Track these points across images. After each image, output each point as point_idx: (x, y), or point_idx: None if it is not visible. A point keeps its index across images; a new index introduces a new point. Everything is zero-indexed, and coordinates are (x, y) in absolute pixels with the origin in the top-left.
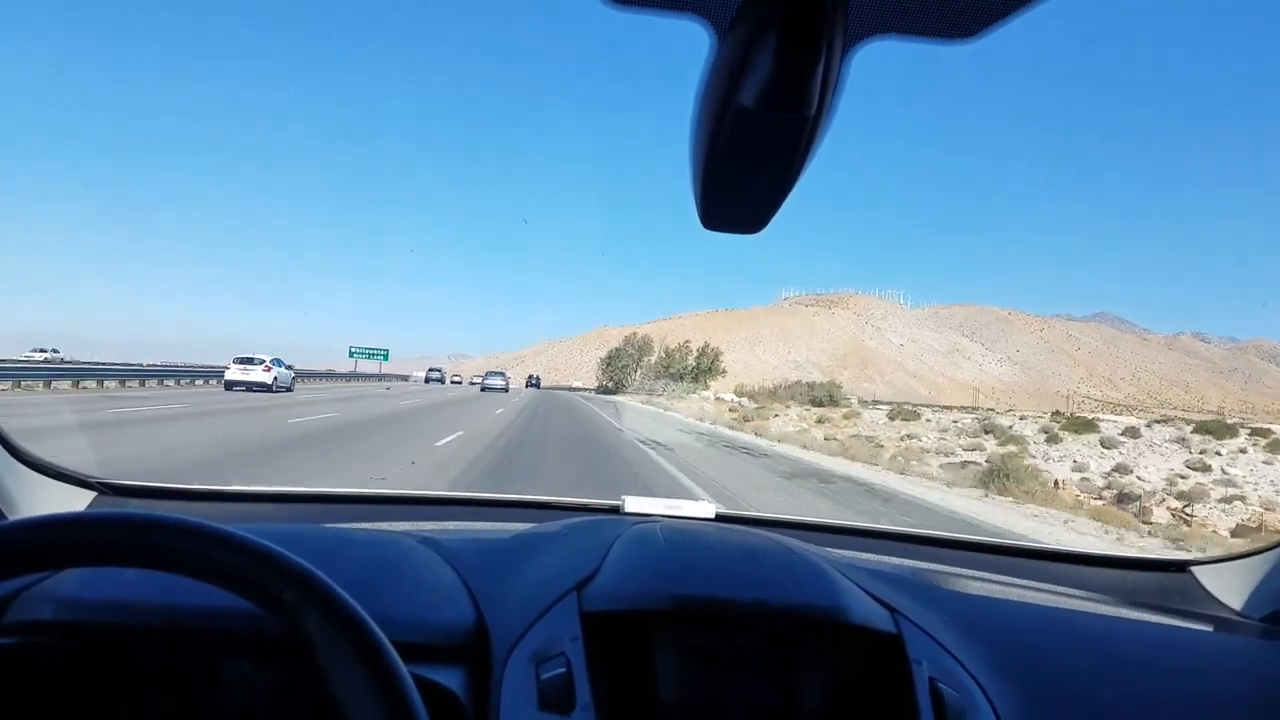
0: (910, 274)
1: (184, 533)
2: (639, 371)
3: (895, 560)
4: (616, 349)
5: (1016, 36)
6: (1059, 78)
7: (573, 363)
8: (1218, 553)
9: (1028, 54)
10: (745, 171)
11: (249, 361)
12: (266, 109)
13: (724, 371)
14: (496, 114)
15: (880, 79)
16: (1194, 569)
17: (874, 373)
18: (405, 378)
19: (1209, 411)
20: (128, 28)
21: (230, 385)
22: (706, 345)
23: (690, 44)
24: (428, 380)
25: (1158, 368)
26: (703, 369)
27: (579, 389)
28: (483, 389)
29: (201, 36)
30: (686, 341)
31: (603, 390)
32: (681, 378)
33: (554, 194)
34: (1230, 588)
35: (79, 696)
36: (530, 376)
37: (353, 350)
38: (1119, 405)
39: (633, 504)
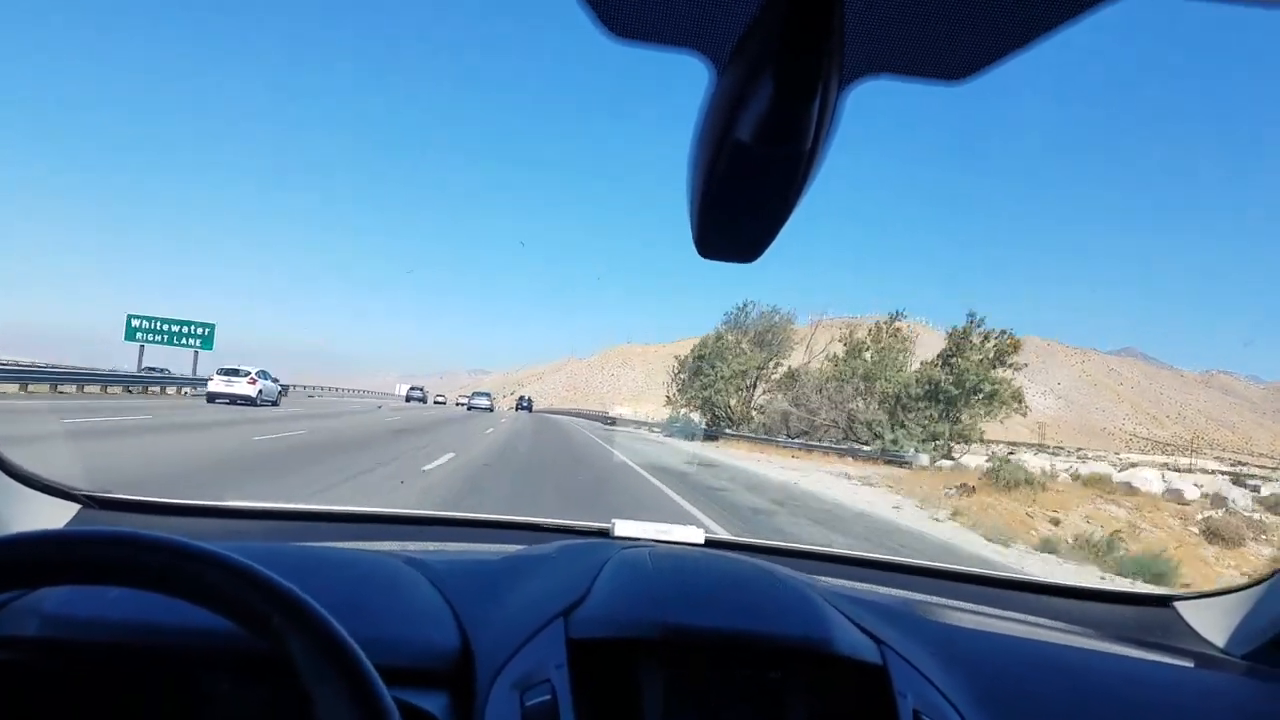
0: (932, 298)
1: (169, 552)
2: (785, 392)
3: (883, 590)
4: (719, 337)
5: (1043, 66)
6: (1085, 104)
7: (592, 380)
8: (1201, 588)
9: (1053, 81)
10: (741, 203)
11: (233, 373)
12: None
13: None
14: (522, 132)
15: (904, 102)
16: (1177, 604)
17: None
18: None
19: (1265, 455)
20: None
21: (212, 397)
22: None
23: (692, 77)
24: (408, 399)
25: (1202, 405)
26: (989, 391)
27: (618, 422)
28: (469, 408)
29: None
30: (897, 322)
31: (679, 429)
32: (946, 402)
33: (572, 211)
34: (1213, 624)
35: (61, 714)
36: (520, 398)
37: (134, 327)
38: (1170, 445)
39: (622, 528)
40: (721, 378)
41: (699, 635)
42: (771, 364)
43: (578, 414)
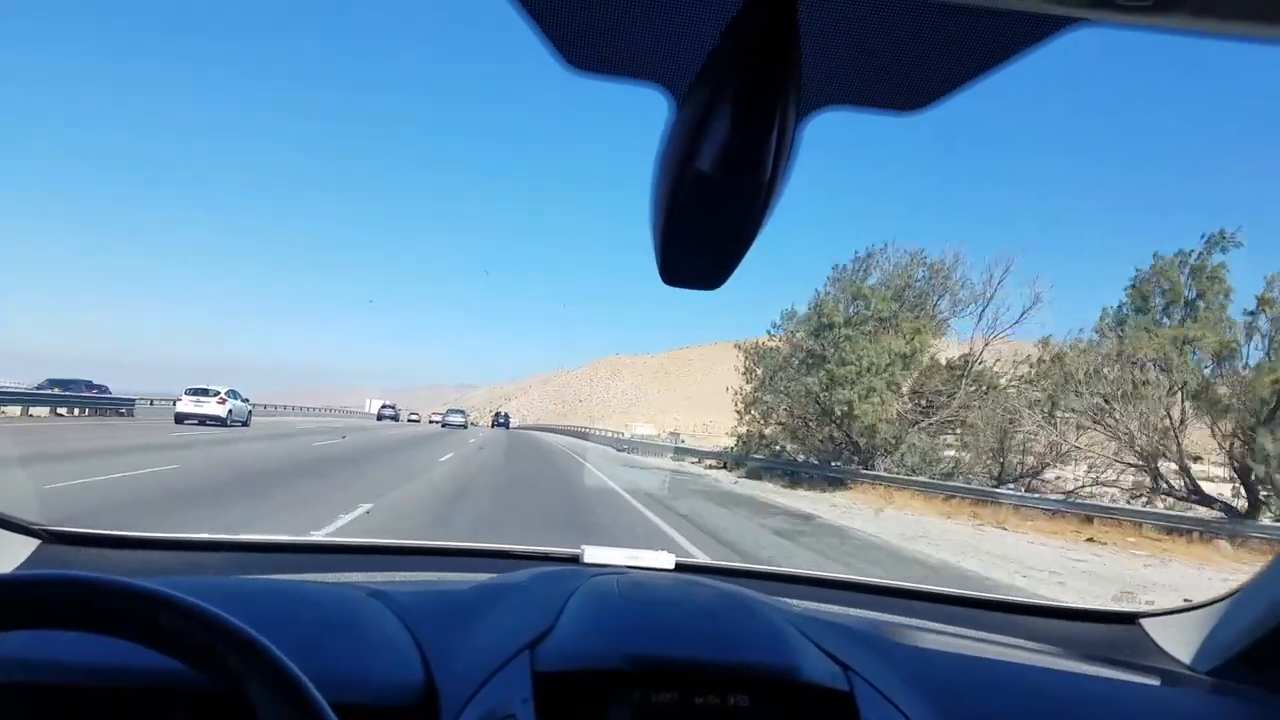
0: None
1: (121, 595)
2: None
3: (853, 611)
4: (852, 293)
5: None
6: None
7: (581, 393)
8: (1166, 605)
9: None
10: (702, 231)
11: (202, 393)
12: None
13: None
14: (504, 150)
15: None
16: (1143, 621)
17: None
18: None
19: None
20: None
21: (180, 418)
22: None
23: (653, 108)
24: (380, 417)
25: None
26: None
27: (637, 448)
28: (443, 425)
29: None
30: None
31: (763, 465)
32: None
33: (558, 225)
34: (1177, 641)
35: None
36: (497, 414)
37: None
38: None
39: (592, 554)
40: (859, 370)
41: (665, 665)
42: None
43: (567, 431)
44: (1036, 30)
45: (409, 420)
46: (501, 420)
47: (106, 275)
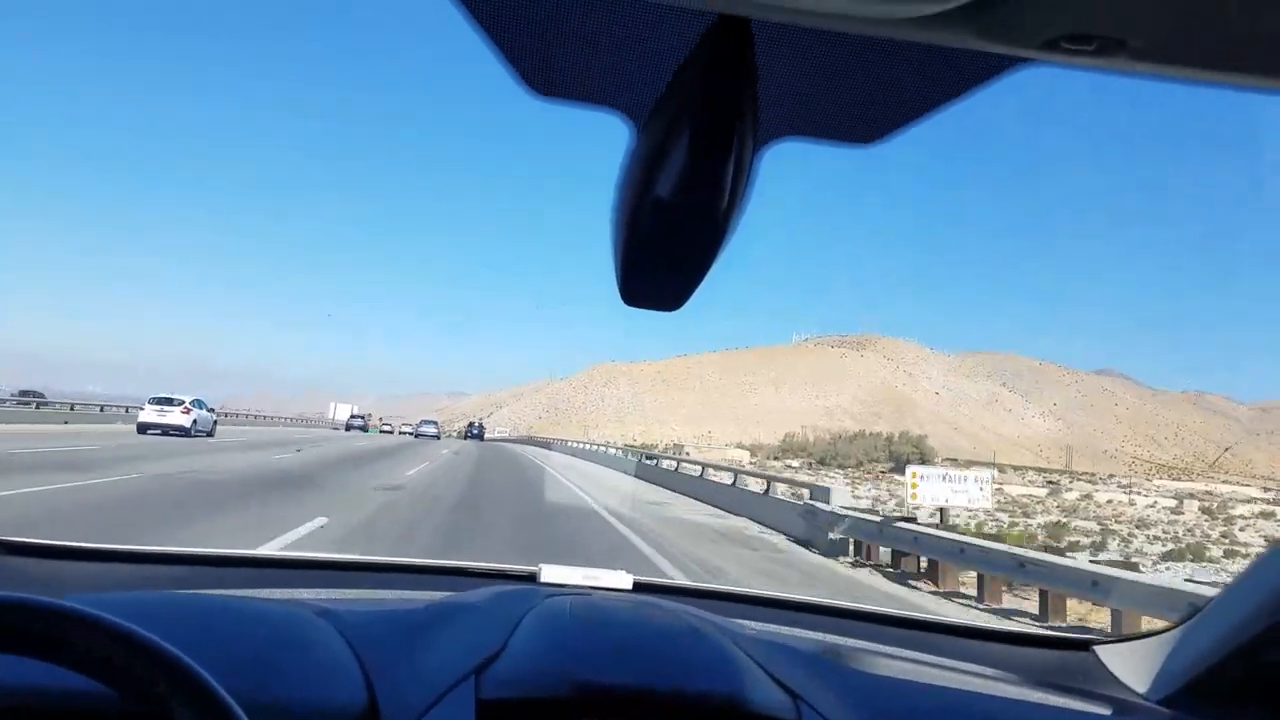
0: (922, 317)
1: (40, 615)
2: None
3: (809, 634)
4: None
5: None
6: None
7: (574, 401)
8: (1121, 631)
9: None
10: (662, 255)
11: (166, 402)
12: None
13: None
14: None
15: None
16: (1097, 648)
17: (912, 423)
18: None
19: (1266, 478)
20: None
21: (143, 428)
22: None
23: (614, 134)
24: (348, 428)
25: (1197, 426)
26: None
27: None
28: (415, 435)
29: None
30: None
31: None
32: None
33: (545, 230)
34: (1131, 669)
35: None
36: (470, 424)
37: None
38: (1175, 469)
39: (549, 573)
40: None
41: (612, 693)
42: None
43: (551, 445)
44: (987, 69)
45: (381, 430)
46: (475, 431)
47: (97, 276)
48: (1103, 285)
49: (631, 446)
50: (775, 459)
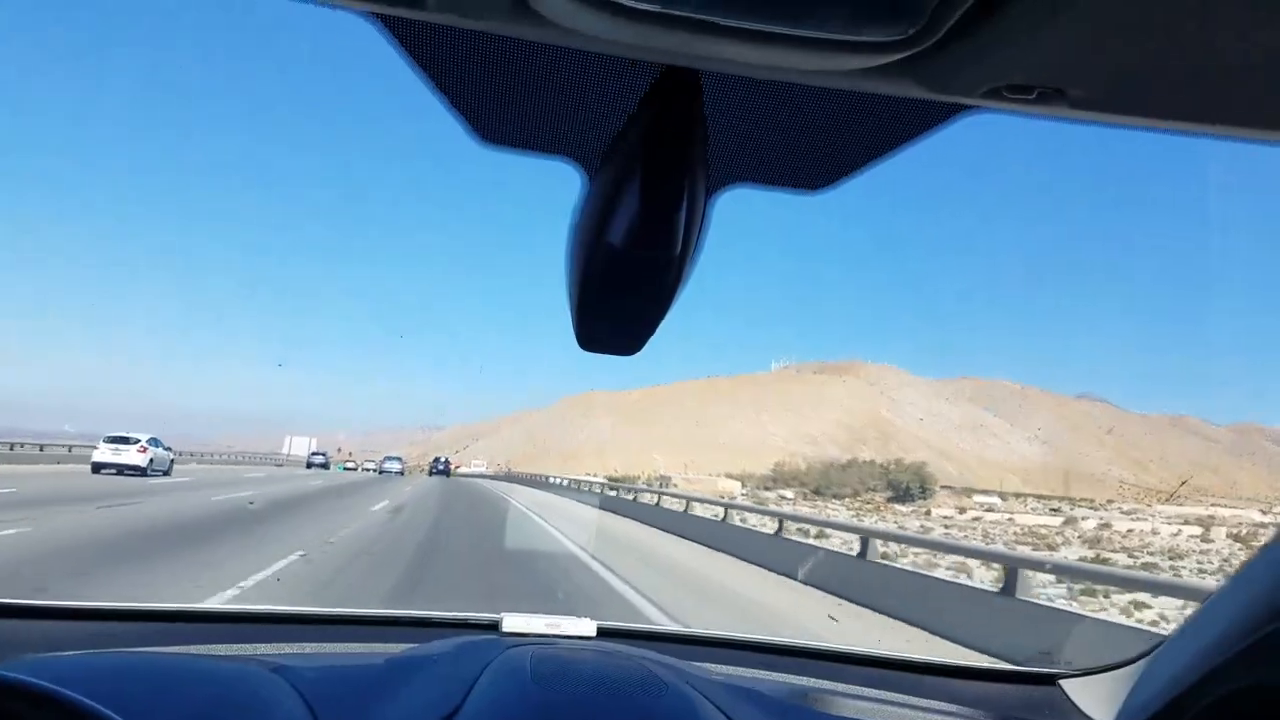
0: (901, 343)
1: None
2: None
3: (774, 676)
4: None
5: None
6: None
7: (552, 433)
8: (1085, 665)
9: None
10: (617, 301)
11: (122, 441)
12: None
13: None
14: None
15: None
16: (1062, 682)
17: (896, 449)
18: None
19: (1252, 500)
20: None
21: (98, 467)
22: None
23: (565, 180)
24: (309, 465)
25: (1181, 449)
26: None
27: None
28: (379, 472)
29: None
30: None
31: None
32: None
33: (520, 264)
34: (1095, 702)
35: None
36: (435, 460)
37: None
38: (1162, 492)
39: (511, 622)
40: None
41: None
42: None
43: (532, 484)
44: (931, 116)
45: (345, 468)
46: (440, 467)
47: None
48: (1078, 311)
49: (615, 480)
50: (766, 489)
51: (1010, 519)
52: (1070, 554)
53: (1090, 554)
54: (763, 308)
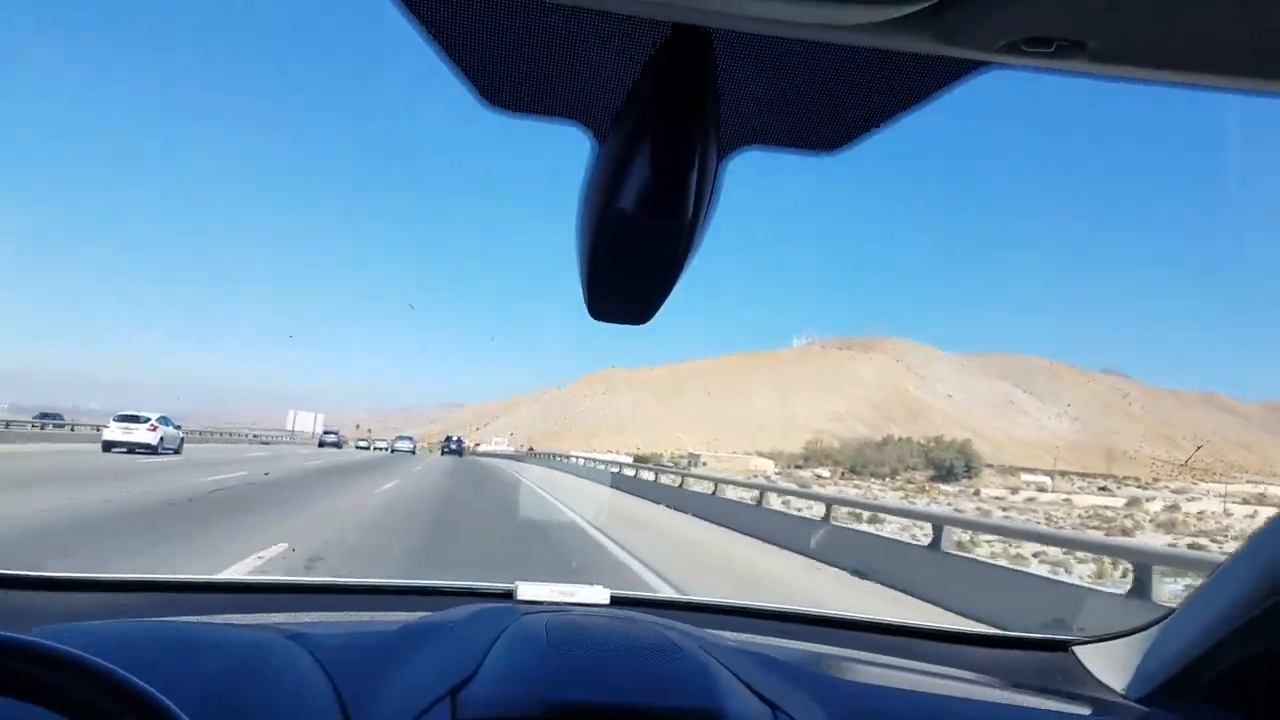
0: (925, 317)
1: (14, 655)
2: None
3: (788, 643)
4: None
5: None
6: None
7: (574, 410)
8: (1098, 631)
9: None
10: (627, 269)
11: (133, 419)
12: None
13: None
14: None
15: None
16: (1076, 649)
17: (925, 426)
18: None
19: None
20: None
21: (109, 446)
22: None
23: (575, 146)
24: (321, 444)
25: (1215, 425)
26: None
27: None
28: (391, 451)
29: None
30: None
31: None
32: None
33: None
34: (1109, 668)
35: None
36: (448, 439)
37: None
38: (1198, 470)
39: (525, 590)
40: None
41: (585, 712)
42: None
43: (570, 468)
44: (947, 74)
45: (357, 446)
46: (453, 447)
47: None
48: (1102, 284)
49: (641, 457)
50: (797, 467)
51: (1067, 499)
52: (1154, 540)
53: (1181, 540)
54: (783, 283)
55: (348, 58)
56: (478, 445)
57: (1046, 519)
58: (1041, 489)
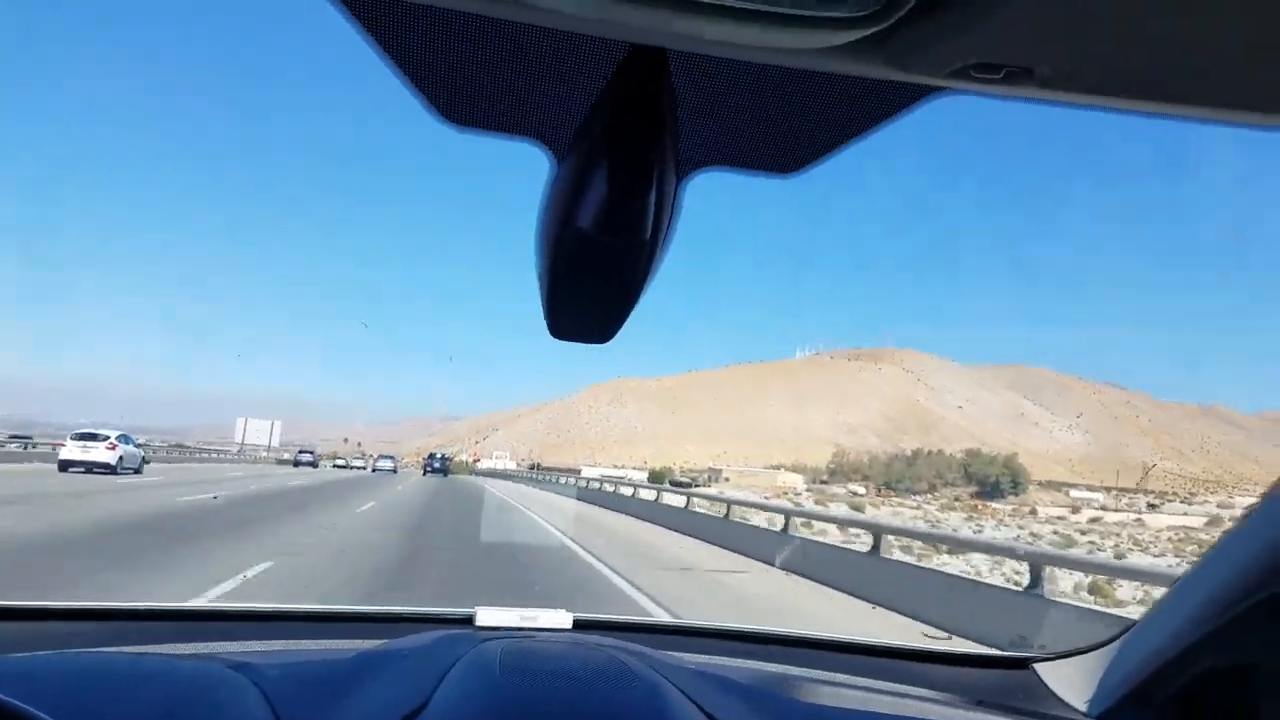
0: (933, 328)
1: None
2: None
3: (748, 664)
4: None
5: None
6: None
7: (577, 422)
8: (1059, 648)
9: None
10: (587, 288)
11: (90, 438)
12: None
13: None
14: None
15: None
16: (1036, 665)
17: (938, 438)
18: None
19: None
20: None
21: (65, 465)
22: None
23: (533, 165)
24: (297, 464)
25: (1220, 437)
26: None
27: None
28: (373, 470)
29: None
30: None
31: None
32: None
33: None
34: (1069, 685)
35: None
36: (430, 456)
37: None
38: (1209, 482)
39: (485, 615)
40: None
41: None
42: None
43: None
44: (900, 98)
45: (334, 465)
46: (436, 465)
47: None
48: (1101, 298)
49: (655, 473)
50: (822, 482)
51: (1139, 519)
52: None
53: None
54: (786, 293)
55: (314, 71)
56: (477, 461)
57: (1133, 543)
58: (1104, 508)
